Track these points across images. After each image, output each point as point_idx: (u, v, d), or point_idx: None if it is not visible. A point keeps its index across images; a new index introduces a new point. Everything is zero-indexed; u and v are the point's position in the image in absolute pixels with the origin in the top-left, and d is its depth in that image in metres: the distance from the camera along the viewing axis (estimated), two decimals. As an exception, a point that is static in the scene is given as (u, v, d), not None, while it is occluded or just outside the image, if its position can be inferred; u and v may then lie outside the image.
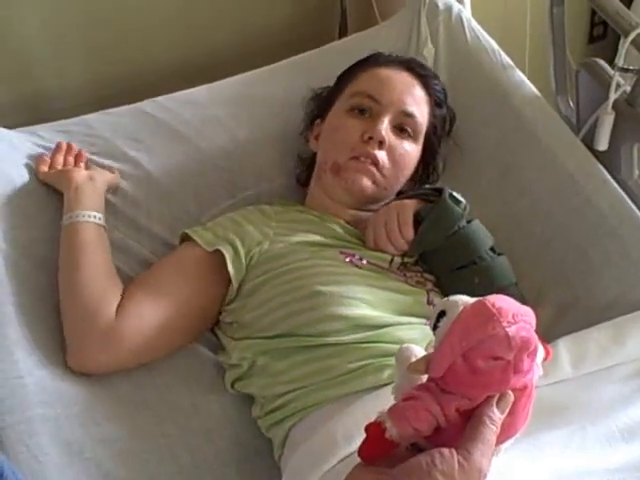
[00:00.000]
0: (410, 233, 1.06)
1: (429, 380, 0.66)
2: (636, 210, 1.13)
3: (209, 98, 1.31)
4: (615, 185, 1.15)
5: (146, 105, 1.29)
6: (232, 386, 1.04)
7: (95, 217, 1.08)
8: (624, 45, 1.05)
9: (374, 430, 0.63)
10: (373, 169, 1.11)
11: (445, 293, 1.06)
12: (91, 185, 1.13)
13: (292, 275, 1.01)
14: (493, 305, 0.63)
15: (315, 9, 1.58)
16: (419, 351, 0.69)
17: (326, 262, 1.03)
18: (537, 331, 0.66)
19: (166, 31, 1.48)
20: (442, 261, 1.08)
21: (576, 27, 1.91)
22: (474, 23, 1.35)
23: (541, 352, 0.68)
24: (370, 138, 1.10)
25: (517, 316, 0.63)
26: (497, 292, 1.01)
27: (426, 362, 0.65)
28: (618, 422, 0.88)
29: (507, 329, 0.62)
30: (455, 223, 1.06)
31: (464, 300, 0.66)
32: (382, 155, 1.11)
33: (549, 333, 1.10)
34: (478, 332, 0.62)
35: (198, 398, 1.04)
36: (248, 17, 1.53)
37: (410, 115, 1.14)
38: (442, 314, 0.66)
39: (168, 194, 1.21)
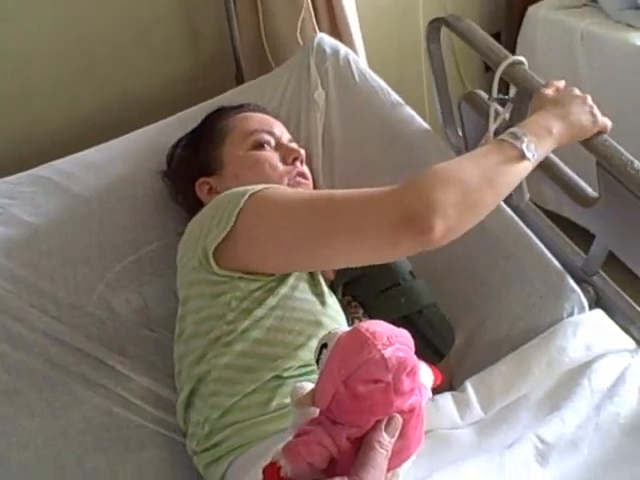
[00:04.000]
0: None
1: (320, 414, 0.67)
2: (529, 232, 1.17)
3: (105, 157, 1.29)
4: (507, 209, 1.19)
5: (42, 170, 1.26)
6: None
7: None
8: (496, 77, 1.10)
9: (270, 470, 0.63)
10: (309, 182, 1.18)
11: (372, 317, 1.10)
12: None
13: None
14: (367, 330, 0.64)
15: (211, 59, 1.60)
16: (311, 387, 0.69)
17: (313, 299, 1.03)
18: (418, 354, 0.66)
19: (61, 92, 1.48)
20: (369, 285, 1.12)
21: (471, 57, 1.97)
22: (362, 64, 1.38)
23: (429, 375, 0.69)
24: (295, 159, 1.17)
25: (392, 338, 0.64)
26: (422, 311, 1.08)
27: (312, 395, 0.66)
28: (531, 445, 0.91)
29: (382, 351, 0.62)
30: None
31: (342, 330, 0.66)
32: (306, 169, 1.20)
33: (462, 359, 1.14)
34: (355, 357, 0.63)
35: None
36: (148, 73, 1.54)
37: (292, 140, 1.23)
38: (324, 346, 0.66)
39: (69, 257, 1.19)
